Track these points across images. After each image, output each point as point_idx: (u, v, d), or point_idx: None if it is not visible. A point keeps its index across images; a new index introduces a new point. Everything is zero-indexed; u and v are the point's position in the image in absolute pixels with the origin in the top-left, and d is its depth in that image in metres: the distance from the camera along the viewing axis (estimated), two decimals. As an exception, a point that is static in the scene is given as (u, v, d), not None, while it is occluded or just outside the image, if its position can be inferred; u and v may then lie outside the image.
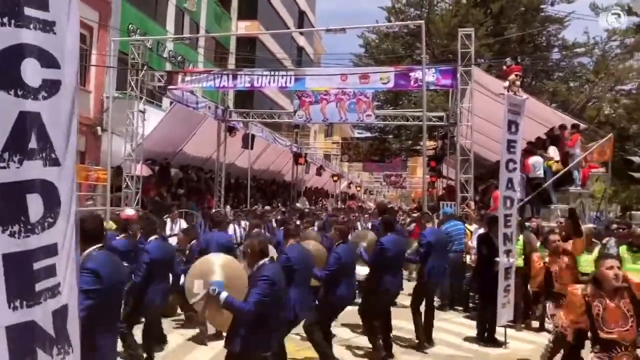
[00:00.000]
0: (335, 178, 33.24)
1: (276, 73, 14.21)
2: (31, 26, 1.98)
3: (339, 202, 33.43)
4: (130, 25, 17.87)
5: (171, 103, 15.97)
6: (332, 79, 13.81)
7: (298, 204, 21.20)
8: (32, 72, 1.98)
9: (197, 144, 18.54)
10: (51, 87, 2.08)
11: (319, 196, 33.63)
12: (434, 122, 16.87)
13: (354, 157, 28.78)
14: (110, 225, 9.31)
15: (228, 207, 17.54)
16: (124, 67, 14.89)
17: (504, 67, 10.72)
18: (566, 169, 11.39)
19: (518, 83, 8.71)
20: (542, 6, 23.92)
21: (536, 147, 12.61)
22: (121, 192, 13.67)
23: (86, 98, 15.40)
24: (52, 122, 2.07)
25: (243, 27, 28.98)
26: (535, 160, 11.74)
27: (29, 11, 1.99)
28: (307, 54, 41.08)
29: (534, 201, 11.45)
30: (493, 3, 23.36)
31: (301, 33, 39.06)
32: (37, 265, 2.01)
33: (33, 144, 1.99)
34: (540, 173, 11.58)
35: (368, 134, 29.00)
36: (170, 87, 14.60)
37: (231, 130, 17.98)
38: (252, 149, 18.76)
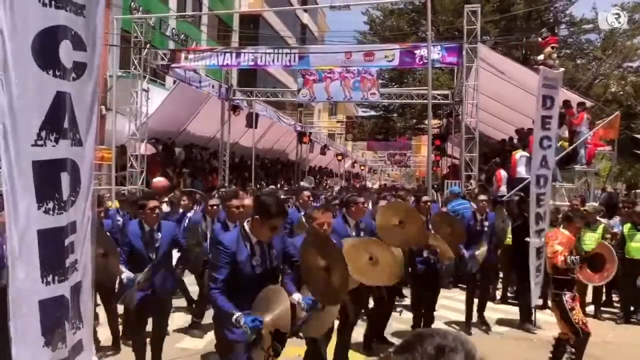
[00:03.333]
0: (340, 157, 33.20)
1: (280, 51, 14.09)
2: (67, 8, 2.01)
3: (343, 181, 33.45)
4: (132, 3, 17.71)
5: (175, 82, 15.91)
6: (337, 57, 13.69)
7: (304, 183, 21.20)
8: (66, 53, 2.02)
9: (201, 123, 18.51)
10: (79, 69, 2.13)
11: (323, 175, 33.64)
12: (439, 100, 16.76)
13: (358, 136, 28.70)
14: (115, 205, 9.36)
15: (233, 187, 17.57)
16: (127, 46, 14.80)
17: (539, 39, 10.47)
18: (572, 147, 11.33)
19: (554, 56, 8.37)
20: (549, -18, 23.53)
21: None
22: (126, 171, 13.72)
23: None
24: (78, 103, 2.12)
25: (246, 5, 28.68)
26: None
27: None
28: (311, 32, 40.70)
29: (539, 179, 11.40)
30: (500, -21, 22.99)
31: (305, 10, 38.64)
32: (67, 242, 2.07)
33: (66, 123, 2.04)
34: (545, 151, 11.50)
35: (372, 113, 28.88)
36: (173, 65, 14.52)
37: (235, 109, 17.93)
38: (256, 128, 18.72)
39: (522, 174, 11.58)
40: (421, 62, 13.04)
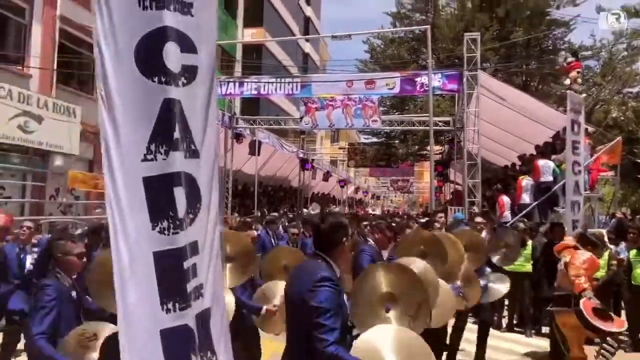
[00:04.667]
0: (342, 184, 33.24)
1: (282, 80, 14.28)
2: (171, 7, 1.85)
3: (346, 208, 33.39)
4: (137, 34, 18.01)
5: (178, 111, 16.05)
6: (338, 85, 13.85)
7: (310, 210, 21.18)
8: (173, 56, 1.85)
9: (204, 151, 18.59)
10: (189, 73, 1.93)
11: (326, 202, 33.59)
12: (440, 126, 16.85)
13: (360, 163, 28.75)
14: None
15: (236, 214, 17.57)
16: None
17: (564, 64, 10.53)
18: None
19: (579, 80, 8.38)
20: (547, 10, 23.86)
21: (547, 150, 12.56)
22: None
23: (94, 106, 15.45)
24: (190, 110, 1.92)
25: (249, 35, 29.13)
26: (544, 163, 11.68)
27: None
28: (313, 61, 41.21)
29: (542, 205, 11.38)
30: (498, 7, 23.34)
31: (307, 40, 39.20)
32: (186, 264, 1.87)
33: (177, 133, 1.84)
34: (549, 177, 11.51)
35: (374, 139, 29.01)
36: (177, 94, 14.69)
37: (238, 137, 18.05)
38: (259, 155, 18.82)
39: (527, 201, 11.58)
40: (422, 89, 13.17)
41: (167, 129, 1.81)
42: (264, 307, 4.56)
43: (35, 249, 5.97)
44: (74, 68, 14.92)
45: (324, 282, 2.50)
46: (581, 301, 4.72)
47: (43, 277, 3.46)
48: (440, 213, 7.83)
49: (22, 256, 5.92)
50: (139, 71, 1.76)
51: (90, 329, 3.57)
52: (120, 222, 1.73)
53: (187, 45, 1.91)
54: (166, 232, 1.79)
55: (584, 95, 8.62)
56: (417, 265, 3.95)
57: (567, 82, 8.84)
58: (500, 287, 5.87)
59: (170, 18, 1.83)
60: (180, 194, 1.84)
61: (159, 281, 1.76)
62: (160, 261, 1.77)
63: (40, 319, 3.17)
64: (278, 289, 4.56)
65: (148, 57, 1.78)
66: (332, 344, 2.43)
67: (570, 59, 10.88)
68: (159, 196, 1.79)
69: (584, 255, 4.85)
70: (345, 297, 2.74)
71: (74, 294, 3.46)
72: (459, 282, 4.99)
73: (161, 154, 1.79)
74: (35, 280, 3.88)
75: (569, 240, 5.36)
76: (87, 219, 12.55)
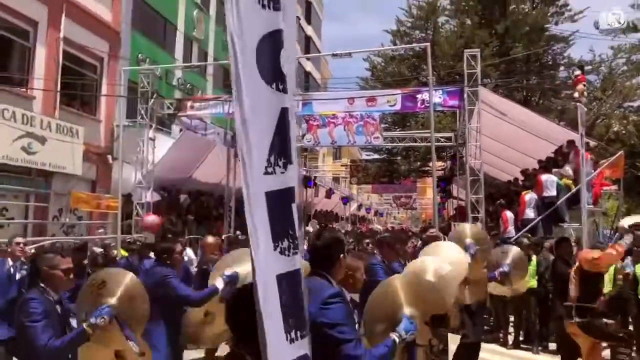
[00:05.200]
0: (345, 201, 33.18)
1: (284, 98, 14.32)
2: (281, 9, 1.73)
3: (349, 225, 33.28)
4: (139, 55, 18.19)
5: (180, 130, 16.13)
6: (340, 103, 13.90)
7: (309, 227, 21.11)
8: (284, 62, 1.74)
9: (207, 170, 18.64)
10: (288, 81, 1.78)
11: (329, 219, 33.50)
12: (442, 142, 16.87)
13: (363, 179, 28.81)
14: (122, 253, 9.33)
15: (238, 232, 17.52)
16: (134, 97, 15.11)
17: (572, 78, 10.57)
18: (578, 187, 11.29)
19: (585, 94, 8.41)
20: (546, 25, 24.07)
21: (551, 164, 12.54)
22: (131, 219, 13.73)
23: (96, 127, 15.60)
24: (291, 120, 1.80)
25: (250, 54, 29.37)
26: (547, 177, 11.67)
27: None
28: (314, 79, 41.48)
29: (546, 220, 11.33)
30: (498, 24, 23.55)
31: (308, 58, 39.52)
32: (302, 289, 1.73)
33: (293, 145, 1.74)
34: (552, 191, 11.48)
35: (376, 156, 29.07)
36: (179, 114, 14.77)
37: (240, 155, 18.07)
38: (261, 173, 18.82)
39: (530, 216, 11.53)
40: (423, 106, 13.20)
41: (284, 140, 1.71)
42: None
43: (26, 267, 5.88)
44: (77, 89, 15.05)
45: (335, 299, 2.42)
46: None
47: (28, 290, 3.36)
48: (432, 228, 7.76)
49: (12, 272, 5.86)
50: (260, 76, 1.67)
51: (97, 277, 3.66)
52: (255, 243, 1.63)
53: (286, 51, 1.80)
54: (287, 252, 1.67)
55: (585, 109, 8.62)
56: (432, 266, 3.93)
57: (576, 95, 8.81)
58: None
59: (281, 21, 1.73)
60: (295, 211, 1.74)
61: (283, 307, 1.64)
62: (282, 286, 1.64)
63: (40, 328, 3.07)
64: None
65: (267, 61, 1.68)
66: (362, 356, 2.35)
67: (577, 72, 10.90)
68: (279, 213, 1.68)
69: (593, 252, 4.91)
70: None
71: (58, 308, 3.34)
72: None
73: (279, 166, 1.69)
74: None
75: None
76: (90, 239, 12.55)
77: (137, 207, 13.76)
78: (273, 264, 1.63)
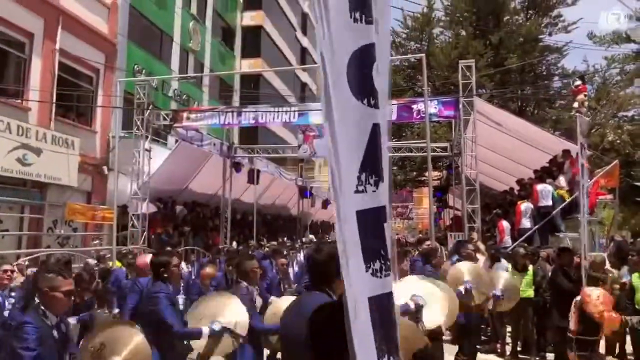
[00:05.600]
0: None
1: (280, 109, 14.36)
2: (373, 22, 1.68)
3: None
4: (135, 66, 18.23)
5: (176, 141, 16.13)
6: (336, 113, 13.92)
7: (305, 239, 21.10)
8: (376, 77, 1.69)
9: (203, 181, 18.62)
10: (379, 96, 1.73)
11: (326, 229, 33.45)
12: (438, 152, 16.90)
13: (359, 190, 28.77)
14: (117, 264, 9.27)
15: (234, 244, 17.47)
16: (130, 108, 15.12)
17: (572, 87, 10.61)
18: (573, 196, 11.32)
19: (586, 104, 8.39)
20: (540, 36, 24.23)
21: (546, 174, 12.58)
22: (127, 230, 13.67)
23: (92, 138, 15.58)
24: (382, 136, 1.74)
25: (247, 65, 29.49)
26: (543, 187, 11.70)
27: (372, 5, 1.68)
28: (311, 90, 41.61)
29: (542, 230, 11.34)
30: (492, 35, 23.69)
31: (304, 69, 39.67)
32: (395, 314, 1.67)
33: (383, 162, 1.68)
34: (548, 201, 11.50)
35: (373, 166, 29.06)
36: (175, 125, 14.78)
37: (236, 166, 18.09)
38: (257, 184, 18.82)
39: (526, 226, 11.54)
40: (418, 116, 13.25)
41: (375, 157, 1.65)
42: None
43: (13, 294, 5.72)
44: (73, 100, 15.04)
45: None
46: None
47: (24, 312, 3.22)
48: (428, 240, 7.80)
49: (1, 301, 5.55)
50: (350, 92, 1.63)
51: (94, 342, 3.53)
52: (345, 264, 1.58)
53: (378, 65, 1.75)
54: (378, 274, 1.60)
55: (588, 119, 8.62)
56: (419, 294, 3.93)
57: (576, 105, 8.83)
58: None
59: (374, 35, 1.68)
60: (388, 231, 1.67)
61: (376, 334, 1.58)
62: (374, 309, 1.58)
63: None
64: None
65: (358, 76, 1.64)
66: None
67: (577, 83, 10.94)
68: (371, 233, 1.62)
69: (595, 292, 4.84)
70: None
71: (55, 333, 3.17)
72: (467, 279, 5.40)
73: (371, 184, 1.63)
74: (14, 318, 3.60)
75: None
76: (85, 251, 12.47)
77: (133, 218, 13.71)
78: (364, 286, 1.57)
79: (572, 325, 5.29)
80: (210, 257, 11.00)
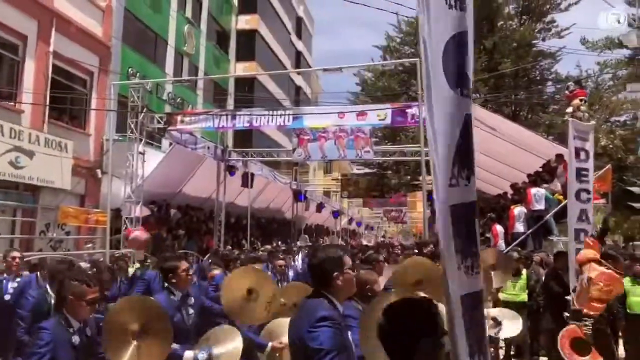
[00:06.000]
0: (336, 214, 33.16)
1: (274, 112, 14.35)
2: (466, 10, 1.62)
3: (340, 239, 33.24)
4: (129, 69, 18.19)
5: (170, 144, 16.09)
6: (330, 117, 13.94)
7: (299, 242, 21.06)
8: (469, 66, 1.62)
9: (197, 184, 18.57)
10: (469, 86, 1.65)
11: (320, 233, 33.45)
12: (432, 157, 16.94)
13: (353, 193, 28.79)
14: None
15: (229, 247, 17.42)
16: (124, 111, 15.07)
17: (567, 92, 10.65)
18: (566, 200, 11.36)
19: (583, 108, 8.39)
20: (534, 41, 24.41)
21: (540, 178, 12.63)
22: (120, 234, 13.61)
23: (86, 141, 15.52)
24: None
25: (241, 69, 29.50)
26: (536, 191, 11.75)
27: None
28: (305, 93, 41.66)
29: (536, 234, 11.38)
30: (486, 39, 23.83)
31: (298, 73, 39.72)
32: (483, 311, 1.63)
33: (475, 155, 1.63)
34: (541, 205, 11.55)
35: (367, 170, 29.12)
36: (169, 128, 14.74)
37: (230, 169, 18.06)
38: (251, 187, 18.79)
39: (520, 230, 11.58)
40: (413, 120, 13.28)
41: (468, 149, 1.59)
42: (270, 344, 4.40)
43: (18, 279, 5.97)
44: (66, 103, 14.99)
45: (323, 322, 2.38)
46: (566, 328, 4.66)
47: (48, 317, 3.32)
48: (431, 244, 7.76)
49: (4, 283, 5.91)
50: (445, 80, 1.57)
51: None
52: (447, 260, 1.53)
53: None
54: (470, 271, 1.56)
55: (593, 122, 8.64)
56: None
57: (570, 109, 8.90)
58: (513, 327, 5.49)
59: (469, 22, 1.61)
60: (477, 228, 1.61)
61: (466, 334, 1.56)
62: (465, 307, 1.54)
63: None
64: (284, 325, 4.43)
65: (453, 65, 1.58)
66: None
67: (572, 87, 10.99)
68: (464, 229, 1.57)
69: (605, 272, 4.78)
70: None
71: (75, 339, 3.20)
72: None
73: (463, 178, 1.57)
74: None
75: (590, 253, 5.21)
76: (77, 254, 12.40)
77: (126, 221, 13.65)
78: (458, 284, 1.53)
79: (576, 299, 5.27)
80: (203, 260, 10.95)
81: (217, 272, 6.31)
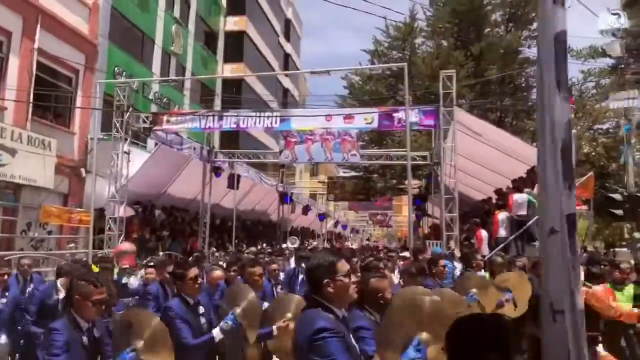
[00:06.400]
0: (322, 217, 33.16)
1: (262, 114, 14.33)
2: (565, 7, 1.60)
3: (325, 242, 33.24)
4: (116, 68, 18.03)
5: (156, 144, 15.97)
6: (317, 120, 13.96)
7: (288, 244, 21.01)
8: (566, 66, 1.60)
9: (182, 185, 18.45)
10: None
11: (305, 236, 33.41)
12: (417, 161, 17.03)
13: (340, 196, 28.87)
14: (94, 269, 9.10)
15: (213, 249, 17.33)
16: (109, 110, 14.93)
17: None
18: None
19: (571, 116, 8.54)
20: (520, 48, 24.71)
21: (523, 184, 12.76)
22: (104, 234, 13.47)
23: (70, 140, 15.34)
24: None
25: (229, 70, 29.41)
26: (519, 197, 11.86)
27: None
28: (293, 96, 41.64)
29: (518, 239, 11.49)
30: (473, 46, 24.09)
31: (286, 75, 39.71)
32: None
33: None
34: (523, 211, 11.67)
35: (353, 173, 29.21)
36: (155, 128, 14.62)
37: (216, 170, 17.97)
38: (237, 189, 18.72)
39: (503, 235, 11.68)
40: (399, 124, 13.35)
41: (570, 156, 1.59)
42: (274, 327, 4.24)
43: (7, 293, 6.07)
44: (50, 101, 14.81)
45: (322, 334, 2.37)
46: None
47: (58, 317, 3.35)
48: (425, 250, 7.84)
49: None
50: (554, 80, 1.56)
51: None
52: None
53: None
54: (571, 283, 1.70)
55: (574, 131, 8.82)
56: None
57: None
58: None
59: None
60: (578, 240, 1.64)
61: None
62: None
63: None
64: (283, 306, 4.41)
65: (557, 63, 1.57)
66: None
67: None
68: (569, 240, 1.60)
69: (596, 290, 4.77)
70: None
71: (85, 339, 3.20)
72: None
73: (566, 188, 1.58)
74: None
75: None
76: (60, 254, 12.24)
77: (110, 221, 13.51)
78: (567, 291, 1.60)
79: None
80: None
81: (218, 273, 6.11)
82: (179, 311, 3.98)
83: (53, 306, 5.21)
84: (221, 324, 4.04)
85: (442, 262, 6.34)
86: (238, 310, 4.15)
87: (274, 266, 7.62)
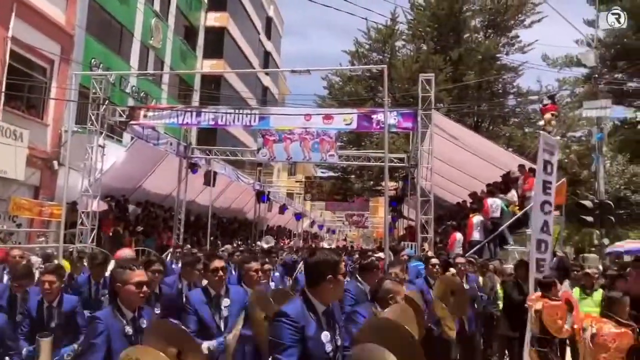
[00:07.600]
0: (298, 217, 33.13)
1: (240, 111, 14.24)
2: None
3: (301, 241, 33.20)
4: (93, 60, 17.71)
5: (132, 139, 15.74)
6: (296, 119, 13.94)
7: (262, 243, 20.89)
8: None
9: (158, 181, 18.23)
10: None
11: (282, 235, 33.33)
12: (395, 163, 17.15)
13: (316, 196, 28.87)
14: (65, 264, 8.92)
15: (188, 246, 17.15)
16: (84, 101, 14.65)
17: (540, 106, 10.82)
18: (523, 211, 11.70)
19: (554, 122, 8.58)
20: (498, 55, 25.06)
21: (497, 189, 12.94)
22: (75, 228, 13.22)
23: (43, 131, 15.03)
24: None
25: (208, 66, 29.16)
26: (492, 201, 12.04)
27: None
28: (272, 94, 41.51)
29: (491, 243, 11.67)
30: (452, 51, 24.33)
31: (266, 73, 39.56)
32: None
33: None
34: (497, 214, 11.86)
35: (331, 174, 29.22)
36: (132, 122, 14.40)
37: (193, 166, 17.79)
38: (214, 186, 18.56)
39: (477, 238, 11.84)
40: (378, 126, 13.41)
41: None
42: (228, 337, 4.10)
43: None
44: (24, 91, 14.47)
45: (280, 317, 2.60)
46: None
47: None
48: (403, 250, 7.86)
49: None
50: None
51: (132, 354, 3.25)
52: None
53: None
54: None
55: (558, 138, 8.95)
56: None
57: (542, 123, 9.18)
58: None
59: None
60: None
61: None
62: None
63: (89, 351, 3.05)
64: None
65: None
66: None
67: (546, 102, 11.24)
68: None
69: (614, 329, 4.29)
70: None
71: (128, 329, 3.15)
72: None
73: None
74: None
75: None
76: (29, 248, 11.96)
77: (82, 216, 13.27)
78: None
79: (534, 327, 5.49)
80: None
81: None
82: (194, 301, 4.08)
83: None
84: (210, 343, 3.92)
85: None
86: (229, 336, 3.99)
87: (267, 266, 7.57)
